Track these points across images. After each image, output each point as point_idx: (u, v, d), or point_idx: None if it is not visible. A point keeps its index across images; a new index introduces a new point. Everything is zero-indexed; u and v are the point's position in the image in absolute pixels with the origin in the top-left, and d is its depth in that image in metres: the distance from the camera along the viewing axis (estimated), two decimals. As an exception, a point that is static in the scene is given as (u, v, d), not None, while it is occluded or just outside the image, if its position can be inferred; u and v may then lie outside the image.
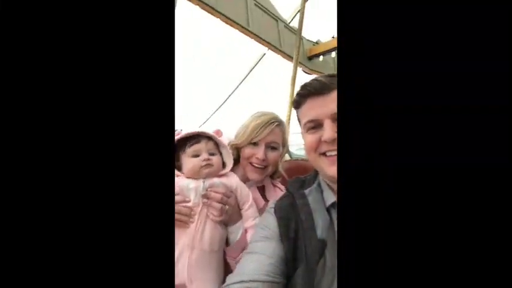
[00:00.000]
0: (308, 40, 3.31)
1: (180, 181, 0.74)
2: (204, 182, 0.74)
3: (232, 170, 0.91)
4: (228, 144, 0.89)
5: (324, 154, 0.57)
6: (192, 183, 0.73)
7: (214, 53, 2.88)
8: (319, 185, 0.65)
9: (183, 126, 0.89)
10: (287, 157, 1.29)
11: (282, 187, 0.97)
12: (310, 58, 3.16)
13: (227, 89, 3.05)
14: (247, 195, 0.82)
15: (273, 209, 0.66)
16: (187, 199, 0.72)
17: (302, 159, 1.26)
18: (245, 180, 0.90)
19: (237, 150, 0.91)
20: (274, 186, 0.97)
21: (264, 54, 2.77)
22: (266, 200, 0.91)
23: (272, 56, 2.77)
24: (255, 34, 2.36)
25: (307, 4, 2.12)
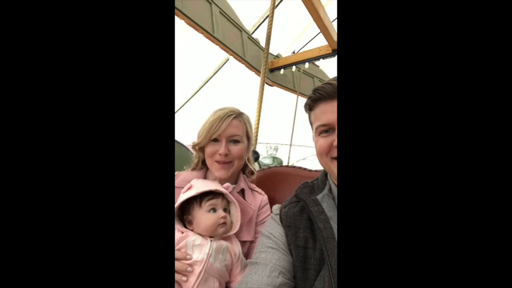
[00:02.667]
0: (270, 53, 3.55)
1: (186, 236, 0.70)
2: (211, 241, 0.70)
3: (204, 174, 0.92)
4: (191, 146, 0.90)
5: (336, 158, 0.56)
6: (198, 240, 0.69)
7: (180, 53, 2.92)
8: (329, 190, 0.63)
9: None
10: (256, 167, 1.27)
11: (259, 190, 0.96)
12: (272, 70, 3.39)
13: (190, 88, 3.08)
14: (244, 265, 0.76)
15: (278, 217, 0.64)
16: (188, 256, 0.67)
17: (270, 167, 1.26)
18: (214, 179, 0.87)
19: (201, 150, 0.89)
20: (252, 190, 0.95)
21: (228, 59, 2.89)
22: None
23: (235, 63, 2.91)
24: (219, 41, 2.48)
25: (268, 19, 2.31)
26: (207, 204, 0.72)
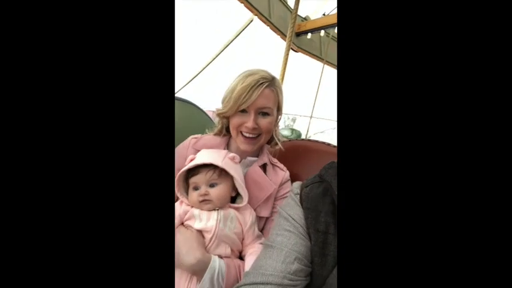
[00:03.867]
0: (297, 15, 3.25)
1: (190, 208, 0.72)
2: (218, 209, 0.70)
3: (227, 141, 0.87)
4: (215, 113, 0.83)
5: None
6: (204, 213, 0.70)
7: (200, 12, 2.75)
8: None
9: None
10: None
11: (282, 166, 0.90)
12: (298, 34, 3.13)
13: (212, 51, 2.96)
14: (257, 235, 0.75)
15: (298, 197, 0.60)
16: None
17: (289, 139, 1.19)
18: (238, 151, 0.82)
19: (226, 117, 0.83)
20: (274, 165, 0.89)
21: (252, 20, 2.69)
22: None
23: (260, 25, 2.71)
24: (244, -2, 2.28)
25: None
26: (191, 181, 0.72)
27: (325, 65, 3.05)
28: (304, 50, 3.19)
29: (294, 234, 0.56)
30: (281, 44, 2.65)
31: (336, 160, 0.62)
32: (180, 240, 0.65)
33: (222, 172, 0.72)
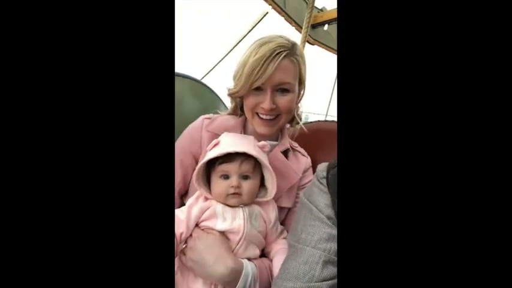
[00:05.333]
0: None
1: (210, 205, 0.62)
2: (242, 207, 0.62)
3: (243, 123, 0.77)
4: (228, 94, 0.73)
5: None
6: (228, 211, 0.61)
7: (216, 5, 2.74)
8: None
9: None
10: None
11: (303, 151, 0.81)
12: (314, 26, 3.04)
13: (228, 43, 2.94)
14: (280, 231, 0.68)
15: (325, 181, 0.53)
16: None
17: (324, 121, 1.09)
18: (255, 134, 0.71)
19: (240, 98, 0.71)
20: (294, 150, 0.79)
21: (267, 12, 2.65)
22: None
23: (275, 17, 2.66)
24: (259, -13, 2.24)
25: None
26: (218, 169, 0.61)
27: (343, 58, 2.94)
28: (320, 42, 3.10)
29: (319, 227, 0.49)
30: (297, 36, 2.58)
31: None
32: (202, 249, 0.55)
33: (256, 164, 0.63)
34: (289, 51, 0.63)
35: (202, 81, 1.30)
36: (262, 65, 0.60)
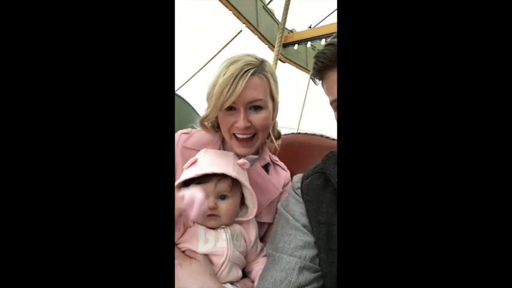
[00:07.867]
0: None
1: (195, 228, 0.59)
2: (225, 228, 0.60)
3: (222, 138, 0.75)
4: (200, 121, 0.71)
5: None
6: (210, 232, 0.59)
7: (191, 21, 2.77)
8: None
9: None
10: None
11: (282, 164, 0.81)
12: (285, 46, 3.21)
13: (203, 58, 2.95)
14: (260, 249, 0.67)
15: (299, 191, 0.56)
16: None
17: (297, 133, 1.10)
18: (234, 150, 0.70)
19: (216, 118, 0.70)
20: (275, 164, 0.80)
21: (241, 30, 2.74)
22: None
23: (249, 35, 2.76)
24: (233, 6, 2.32)
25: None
26: None
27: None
28: (291, 60, 3.27)
29: (295, 235, 0.51)
30: (269, 54, 2.70)
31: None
32: (186, 277, 0.52)
33: (234, 183, 0.60)
34: (257, 68, 0.64)
35: (177, 93, 1.27)
36: (232, 83, 0.60)
